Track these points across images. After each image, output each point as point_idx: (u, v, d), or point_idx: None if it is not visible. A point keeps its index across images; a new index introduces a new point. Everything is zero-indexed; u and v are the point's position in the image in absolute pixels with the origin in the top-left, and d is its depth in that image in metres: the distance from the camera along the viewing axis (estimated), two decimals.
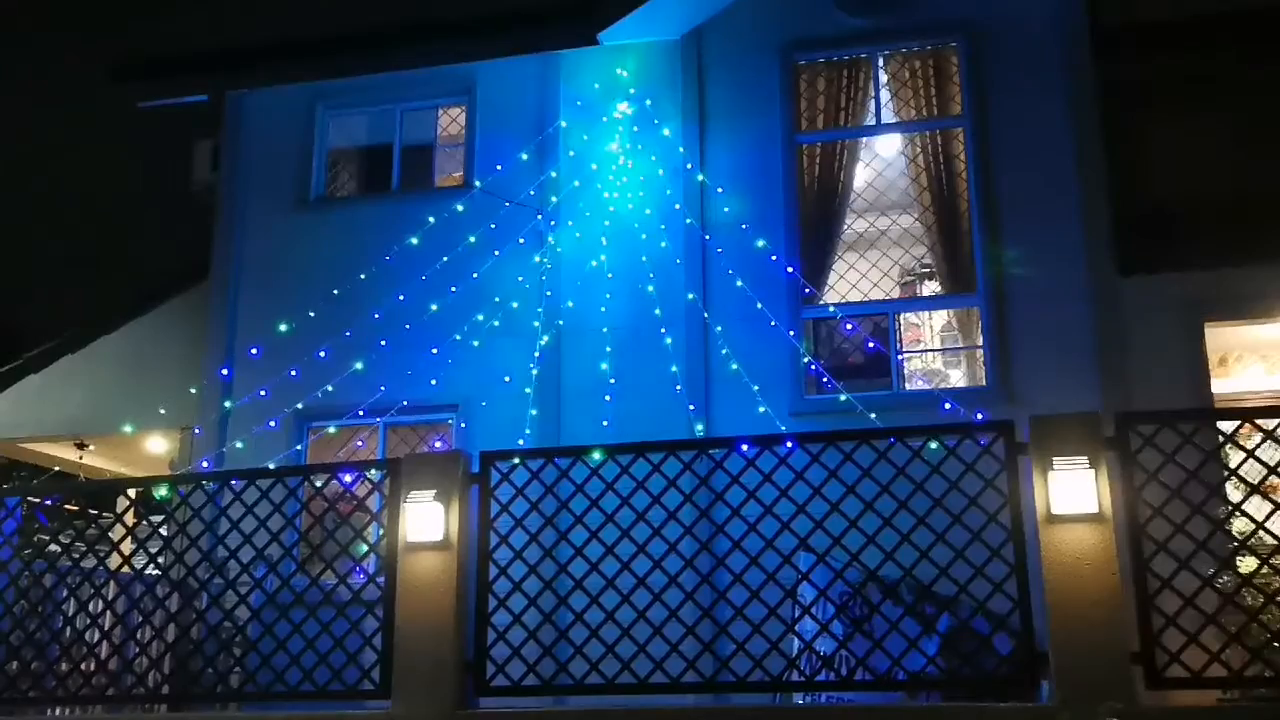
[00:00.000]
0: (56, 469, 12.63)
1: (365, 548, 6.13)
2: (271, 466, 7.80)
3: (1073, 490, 5.08)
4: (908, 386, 9.52)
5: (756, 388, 8.91)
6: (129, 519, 7.01)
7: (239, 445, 9.52)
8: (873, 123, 9.86)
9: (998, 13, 9.42)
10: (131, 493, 10.36)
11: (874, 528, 5.45)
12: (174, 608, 6.36)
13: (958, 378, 10.22)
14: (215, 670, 6.23)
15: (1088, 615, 4.97)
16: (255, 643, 6.09)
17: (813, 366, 9.11)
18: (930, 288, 10.59)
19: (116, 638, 6.39)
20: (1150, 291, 8.65)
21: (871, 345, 9.18)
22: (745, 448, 5.80)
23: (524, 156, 10.05)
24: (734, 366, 9.06)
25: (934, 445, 5.63)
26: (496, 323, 9.61)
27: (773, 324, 9.12)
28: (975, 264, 9.14)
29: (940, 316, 10.84)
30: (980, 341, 9.20)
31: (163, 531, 6.70)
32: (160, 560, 6.61)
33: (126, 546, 6.70)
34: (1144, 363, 8.44)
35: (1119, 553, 5.06)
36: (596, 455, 5.93)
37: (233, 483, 6.49)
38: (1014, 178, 9.14)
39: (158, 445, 12.21)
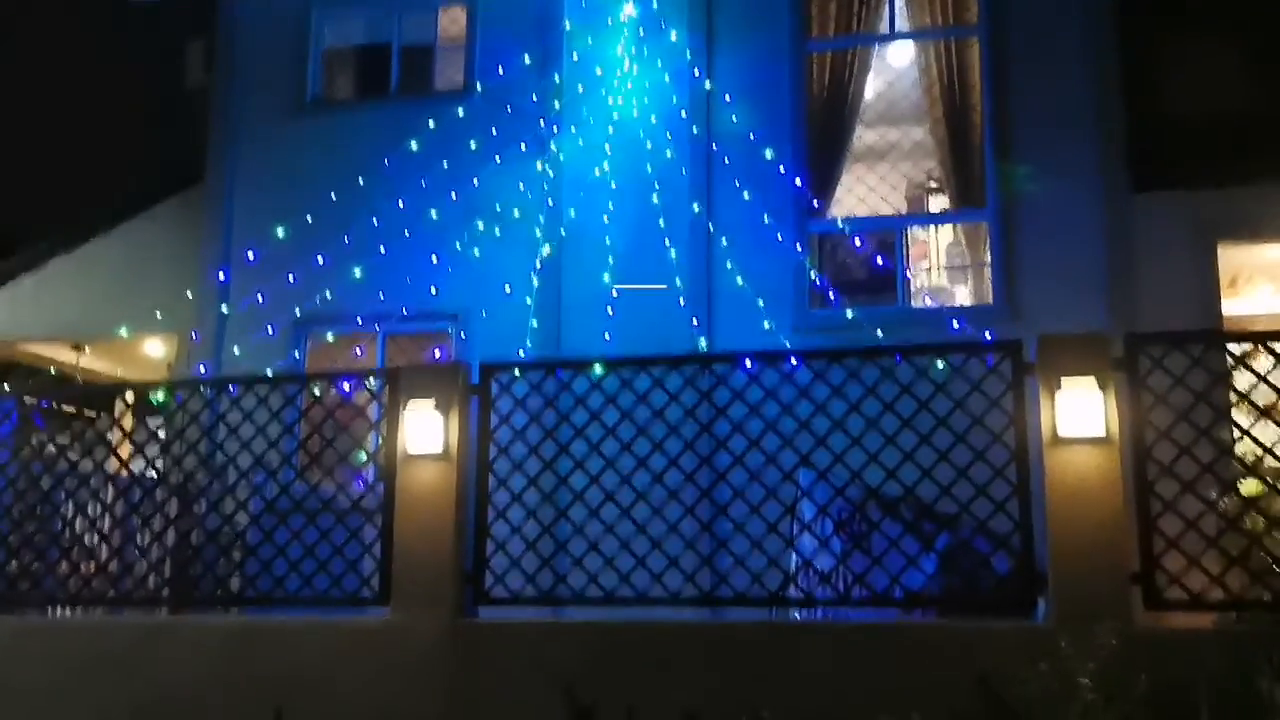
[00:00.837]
0: (53, 371, 12.58)
1: (364, 456, 6.10)
2: (270, 373, 7.74)
3: (1079, 411, 5.02)
4: (914, 303, 9.42)
5: (761, 302, 8.79)
6: (127, 422, 6.97)
7: (236, 351, 9.45)
8: (886, 31, 9.59)
9: None
10: (129, 396, 10.32)
11: (876, 445, 5.41)
12: (173, 512, 6.35)
13: (964, 295, 10.10)
14: (214, 575, 6.25)
15: (1089, 536, 4.95)
16: (254, 548, 6.10)
17: (818, 281, 8.99)
18: (939, 203, 10.41)
19: (115, 541, 6.40)
20: (1163, 209, 8.48)
21: (878, 260, 9.03)
22: (749, 363, 5.73)
23: (526, 60, 9.77)
24: (739, 280, 8.94)
25: (940, 364, 5.56)
26: (497, 231, 9.44)
27: (779, 237, 8.97)
28: (986, 179, 8.97)
29: (948, 232, 10.68)
30: (988, 258, 9.07)
31: (160, 436, 6.67)
32: (158, 464, 6.59)
33: (124, 450, 6.68)
34: (1155, 282, 8.32)
35: (1123, 475, 5.02)
36: (598, 368, 5.87)
37: (231, 388, 6.43)
38: (1028, 91, 8.91)
39: (155, 349, 12.14)
